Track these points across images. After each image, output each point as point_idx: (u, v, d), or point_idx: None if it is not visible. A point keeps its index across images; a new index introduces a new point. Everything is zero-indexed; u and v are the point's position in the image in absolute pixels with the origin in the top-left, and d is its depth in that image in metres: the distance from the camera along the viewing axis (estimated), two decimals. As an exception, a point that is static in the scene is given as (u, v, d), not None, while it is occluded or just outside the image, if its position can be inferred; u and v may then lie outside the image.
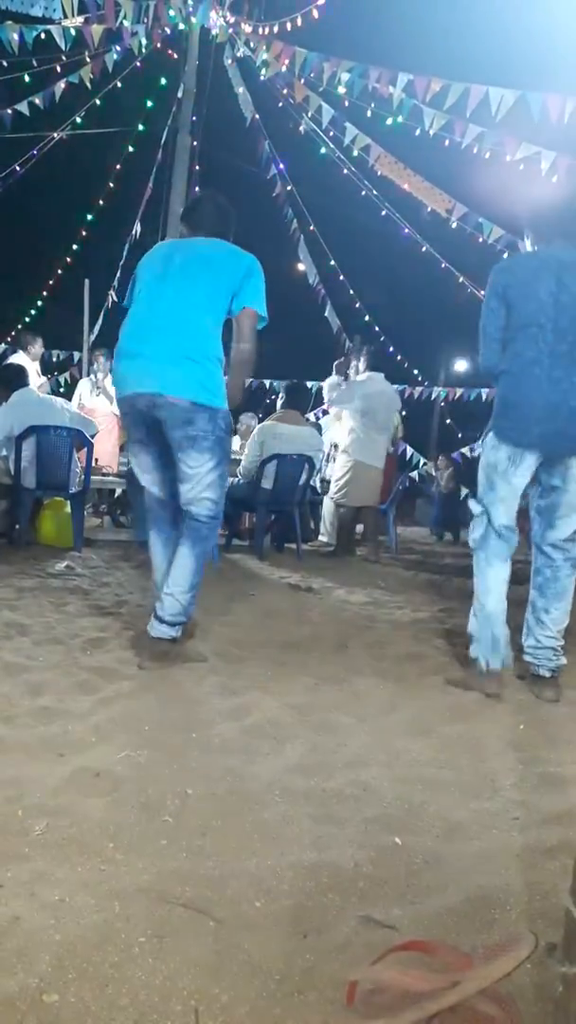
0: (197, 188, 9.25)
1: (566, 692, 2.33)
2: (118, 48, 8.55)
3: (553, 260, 2.30)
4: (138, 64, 8.99)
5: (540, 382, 2.26)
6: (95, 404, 7.02)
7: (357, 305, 10.54)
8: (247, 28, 8.90)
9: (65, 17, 7.79)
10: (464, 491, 9.47)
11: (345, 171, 9.24)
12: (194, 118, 9.06)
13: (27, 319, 10.10)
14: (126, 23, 8.20)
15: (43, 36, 7.73)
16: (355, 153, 8.76)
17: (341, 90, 8.07)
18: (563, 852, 1.31)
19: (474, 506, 2.41)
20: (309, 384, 9.57)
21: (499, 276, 2.36)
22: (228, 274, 2.34)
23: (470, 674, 2.35)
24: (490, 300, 2.37)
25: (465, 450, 10.46)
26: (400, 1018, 0.86)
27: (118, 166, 9.81)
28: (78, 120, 9.25)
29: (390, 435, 5.86)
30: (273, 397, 9.54)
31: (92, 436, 4.98)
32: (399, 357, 10.82)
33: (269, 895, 1.15)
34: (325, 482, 6.23)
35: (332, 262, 10.32)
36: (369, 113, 8.04)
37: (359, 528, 6.20)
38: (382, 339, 10.38)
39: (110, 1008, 0.89)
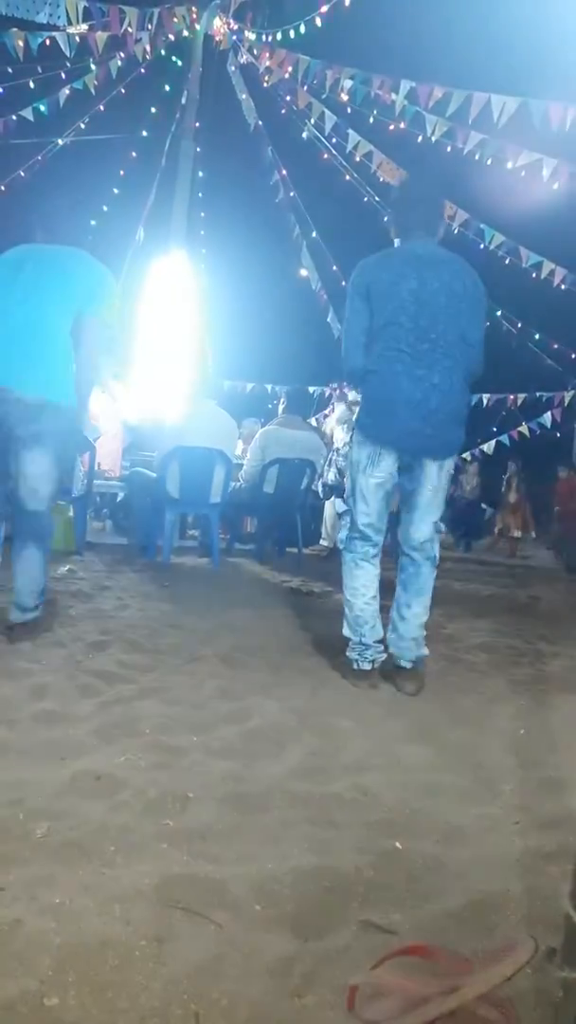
0: (200, 194, 9.30)
1: (567, 696, 2.33)
2: (122, 55, 8.61)
3: (412, 256, 2.30)
4: (142, 71, 9.05)
5: (401, 380, 2.25)
6: (102, 407, 7.03)
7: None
8: (250, 35, 8.96)
9: (70, 24, 7.85)
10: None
11: (347, 177, 9.28)
12: (197, 124, 9.11)
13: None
14: (130, 30, 8.25)
15: (48, 43, 7.78)
16: (357, 159, 8.80)
17: (343, 97, 8.12)
18: (563, 857, 1.30)
19: (339, 505, 2.45)
20: (311, 389, 9.59)
21: (361, 276, 2.34)
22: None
23: (347, 671, 2.40)
24: (353, 300, 2.36)
25: (466, 455, 10.48)
26: (400, 1022, 0.86)
27: (122, 172, 9.86)
28: (82, 126, 9.30)
29: None
30: (275, 402, 9.56)
31: (95, 440, 4.99)
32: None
33: (270, 899, 1.15)
34: (327, 487, 6.23)
35: (334, 267, 10.36)
36: (371, 120, 8.08)
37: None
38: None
39: (110, 1011, 0.90)
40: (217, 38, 9.02)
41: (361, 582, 2.39)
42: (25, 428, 2.38)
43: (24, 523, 2.52)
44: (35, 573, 2.53)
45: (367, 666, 2.36)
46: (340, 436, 5.97)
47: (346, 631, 2.43)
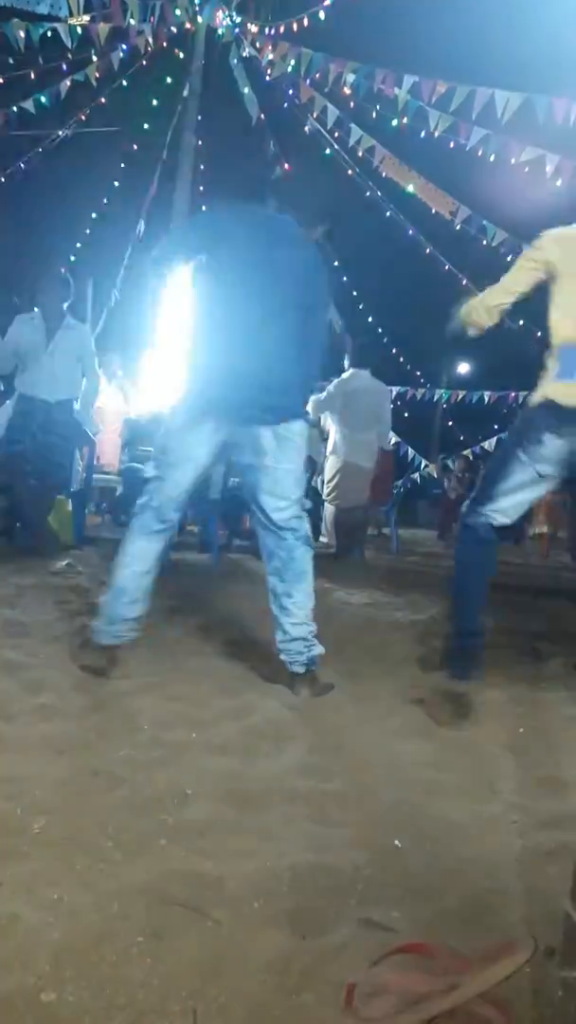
0: (201, 188, 9.26)
1: (566, 695, 2.33)
2: (124, 47, 8.56)
3: (258, 212, 2.27)
4: (144, 63, 9.00)
5: (226, 343, 2.16)
6: (103, 402, 7.03)
7: (360, 306, 10.55)
8: (253, 28, 8.91)
9: (71, 15, 7.80)
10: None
11: (350, 172, 9.25)
12: (199, 118, 9.07)
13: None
14: (132, 22, 8.21)
15: (49, 34, 7.74)
16: (360, 154, 8.76)
17: (346, 91, 8.08)
18: (562, 856, 1.30)
19: (149, 470, 2.26)
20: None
21: (212, 220, 2.32)
22: None
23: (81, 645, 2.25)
24: (191, 236, 2.32)
25: (467, 452, 10.47)
26: (398, 1020, 0.86)
27: (123, 165, 9.82)
28: (83, 118, 9.26)
29: (382, 431, 5.79)
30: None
31: (95, 435, 4.98)
32: (402, 359, 10.83)
33: (268, 896, 1.15)
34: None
35: (336, 263, 10.33)
36: (374, 115, 8.05)
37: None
38: (385, 340, 10.39)
39: (108, 1008, 0.89)
40: (219, 31, 8.97)
41: (131, 553, 2.21)
42: None
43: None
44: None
45: (108, 640, 2.18)
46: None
47: (102, 598, 2.26)
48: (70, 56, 8.28)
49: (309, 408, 5.68)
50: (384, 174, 8.88)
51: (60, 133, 9.29)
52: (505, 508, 2.19)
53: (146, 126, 9.64)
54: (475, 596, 2.25)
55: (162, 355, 7.71)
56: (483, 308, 2.33)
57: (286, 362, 2.17)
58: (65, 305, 4.50)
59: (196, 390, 2.20)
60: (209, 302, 2.22)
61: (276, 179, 2.47)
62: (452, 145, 7.41)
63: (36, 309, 4.63)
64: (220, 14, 8.81)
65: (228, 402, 2.15)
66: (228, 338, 2.17)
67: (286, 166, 8.51)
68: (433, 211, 8.83)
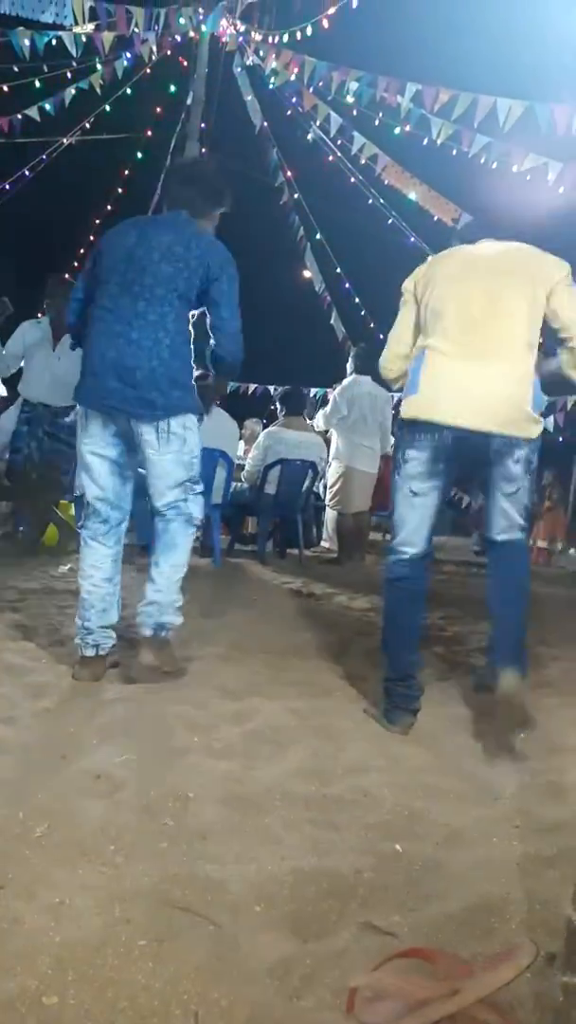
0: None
1: (566, 699, 2.32)
2: (128, 55, 8.62)
3: (143, 219, 2.31)
4: (148, 71, 9.06)
5: (100, 339, 2.17)
6: None
7: (363, 313, 10.57)
8: (257, 37, 8.97)
9: (76, 24, 7.86)
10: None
11: (352, 180, 9.29)
12: (203, 126, 9.12)
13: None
14: (137, 30, 8.26)
15: (54, 42, 7.79)
16: (363, 162, 8.80)
17: (349, 99, 8.12)
18: (563, 861, 1.30)
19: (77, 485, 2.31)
20: (312, 391, 9.58)
21: (100, 240, 2.35)
22: None
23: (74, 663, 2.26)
24: (86, 263, 2.37)
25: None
26: (400, 1025, 0.86)
27: (127, 172, 9.87)
28: (87, 126, 9.32)
29: (383, 437, 5.81)
30: (276, 405, 9.58)
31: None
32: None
33: (269, 900, 1.15)
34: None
35: (338, 270, 10.36)
36: (377, 122, 8.09)
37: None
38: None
39: (110, 1011, 0.89)
40: (223, 39, 9.02)
41: (89, 562, 2.26)
42: None
43: None
44: None
45: (90, 652, 2.22)
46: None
47: (77, 615, 2.30)
48: (74, 64, 8.34)
49: (319, 423, 5.72)
50: (386, 182, 8.92)
51: (64, 141, 9.34)
52: (405, 538, 2.03)
53: (149, 133, 9.70)
54: (402, 639, 2.06)
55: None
56: (397, 359, 2.23)
57: (161, 353, 2.14)
58: None
59: (82, 386, 2.23)
60: (95, 299, 2.24)
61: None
62: (454, 153, 7.44)
63: (40, 315, 4.66)
64: (224, 22, 8.87)
65: (106, 396, 2.16)
66: (96, 337, 2.20)
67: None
68: (435, 218, 8.86)
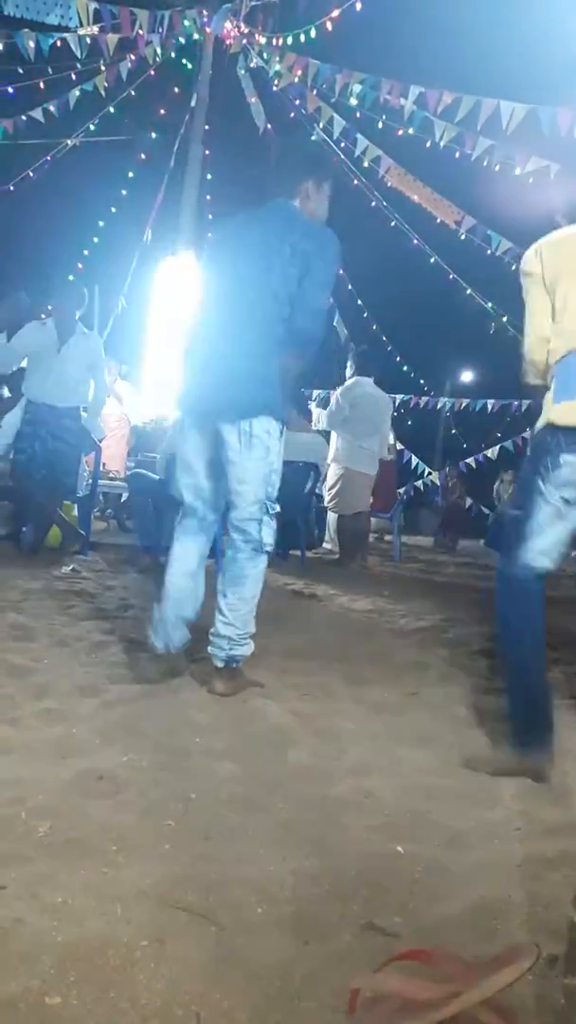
0: (208, 198, 9.32)
1: (567, 702, 2.32)
2: (132, 57, 8.64)
3: (247, 219, 2.25)
4: (152, 73, 9.08)
5: (196, 343, 2.22)
6: (107, 408, 7.07)
7: (365, 315, 10.59)
8: (261, 39, 8.98)
9: (81, 26, 7.88)
10: (470, 501, 9.43)
11: (356, 182, 9.30)
12: (207, 127, 9.13)
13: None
14: (141, 32, 8.28)
15: (59, 44, 7.82)
16: (366, 164, 8.82)
17: (353, 101, 8.14)
18: (565, 863, 1.30)
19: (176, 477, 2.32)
20: (314, 392, 9.57)
21: (206, 248, 2.43)
22: None
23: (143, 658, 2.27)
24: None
25: (471, 460, 10.47)
26: (401, 1027, 0.86)
27: (130, 174, 9.89)
28: (91, 127, 9.34)
29: (381, 440, 5.82)
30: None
31: (100, 440, 5.00)
32: (405, 367, 10.86)
33: (271, 901, 1.15)
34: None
35: (340, 271, 10.37)
36: (380, 125, 8.10)
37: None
38: (389, 348, 10.42)
39: (112, 1011, 0.90)
40: (227, 41, 9.04)
41: (175, 555, 2.27)
42: None
43: None
44: None
45: (159, 645, 2.23)
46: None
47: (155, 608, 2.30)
48: (79, 66, 8.36)
49: (322, 423, 5.73)
50: (389, 184, 8.93)
51: (68, 142, 9.36)
52: (543, 547, 1.86)
53: (153, 135, 9.72)
54: (529, 658, 1.93)
55: (162, 361, 7.75)
56: (543, 343, 1.99)
57: (247, 355, 2.10)
58: (78, 314, 4.54)
59: (181, 392, 2.28)
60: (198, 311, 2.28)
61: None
62: (457, 155, 7.45)
63: (44, 316, 4.66)
64: (228, 24, 8.88)
65: (197, 401, 2.21)
66: (196, 339, 2.24)
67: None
68: (438, 220, 8.88)
